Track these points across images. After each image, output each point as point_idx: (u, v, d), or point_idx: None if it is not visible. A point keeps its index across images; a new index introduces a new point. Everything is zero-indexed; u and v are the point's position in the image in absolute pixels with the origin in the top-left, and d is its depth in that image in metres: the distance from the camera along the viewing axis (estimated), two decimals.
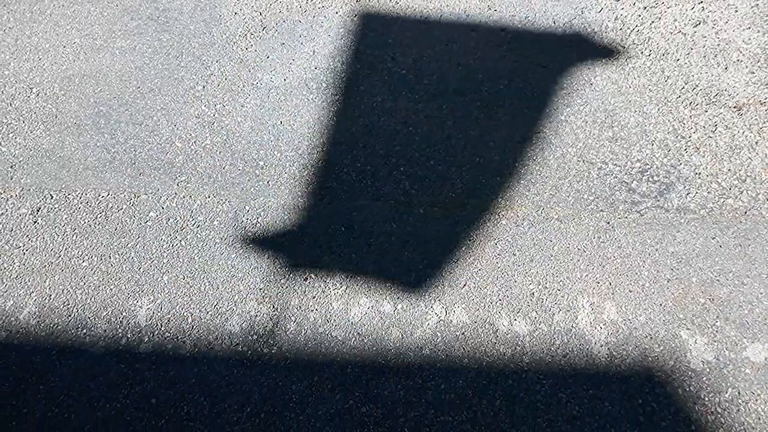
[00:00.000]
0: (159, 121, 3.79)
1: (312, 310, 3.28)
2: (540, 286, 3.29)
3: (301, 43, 4.01)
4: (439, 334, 3.20)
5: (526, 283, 3.30)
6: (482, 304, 3.26)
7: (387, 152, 3.67)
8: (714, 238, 3.34)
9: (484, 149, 3.66)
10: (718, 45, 3.84)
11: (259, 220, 3.51)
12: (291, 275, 3.37)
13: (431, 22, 4.08)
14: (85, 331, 3.26)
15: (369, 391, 3.08)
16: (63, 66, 3.95)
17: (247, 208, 3.54)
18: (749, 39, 3.83)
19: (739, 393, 2.97)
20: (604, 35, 3.95)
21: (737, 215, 3.38)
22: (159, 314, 3.29)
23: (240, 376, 3.14)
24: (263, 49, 4.00)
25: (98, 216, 3.53)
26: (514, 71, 3.88)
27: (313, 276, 3.36)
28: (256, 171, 3.64)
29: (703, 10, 3.95)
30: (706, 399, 2.96)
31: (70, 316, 3.29)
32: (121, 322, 3.27)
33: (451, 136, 3.71)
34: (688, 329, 3.13)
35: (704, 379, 3.02)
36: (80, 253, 3.44)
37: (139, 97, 3.86)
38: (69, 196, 3.59)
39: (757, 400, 2.94)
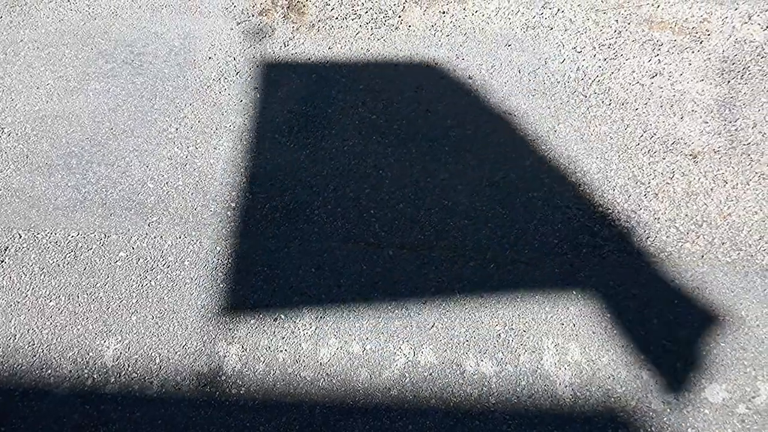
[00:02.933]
0: (131, 163, 3.82)
1: (281, 351, 3.29)
2: (506, 328, 3.35)
3: (274, 88, 4.10)
4: (407, 375, 3.23)
5: (493, 325, 3.36)
6: (450, 345, 3.31)
7: (357, 195, 3.74)
8: (673, 281, 3.45)
9: (452, 193, 3.75)
10: (674, 96, 4.02)
11: (230, 260, 3.53)
12: (261, 316, 3.39)
13: (401, 69, 4.20)
14: (50, 371, 3.22)
15: None
16: (36, 107, 3.97)
17: (218, 248, 3.57)
18: (703, 90, 4.02)
19: None
20: (567, 85, 4.11)
21: (695, 259, 3.50)
22: (126, 354, 3.27)
23: (208, 417, 3.12)
24: (236, 93, 4.07)
25: (67, 256, 3.53)
26: (482, 118, 4.01)
27: (282, 316, 3.38)
28: (228, 212, 3.68)
29: (659, 62, 4.14)
30: None
31: (35, 356, 3.26)
32: (87, 362, 3.25)
33: (420, 179, 3.80)
34: (649, 370, 3.21)
35: (665, 419, 3.08)
36: (48, 292, 3.42)
37: (112, 139, 3.89)
38: (38, 236, 3.58)
39: None
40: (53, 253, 3.54)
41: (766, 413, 3.08)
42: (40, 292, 3.43)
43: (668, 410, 3.11)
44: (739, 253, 3.51)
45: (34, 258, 3.52)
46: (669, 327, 3.31)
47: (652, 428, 3.06)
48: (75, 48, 4.19)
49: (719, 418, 3.08)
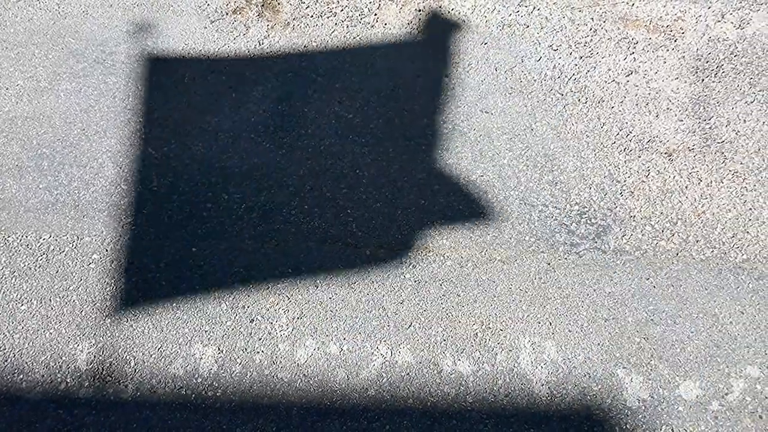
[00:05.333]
0: (104, 164, 3.77)
1: (258, 352, 3.28)
2: (483, 327, 3.36)
3: (250, 87, 4.07)
4: (384, 375, 3.23)
5: (470, 324, 3.36)
6: (427, 345, 3.31)
7: (334, 195, 3.73)
8: (648, 278, 3.47)
9: (429, 192, 3.75)
10: (649, 94, 4.05)
11: (205, 262, 3.50)
12: (237, 317, 3.37)
13: (378, 68, 4.19)
14: (22, 376, 3.18)
15: None
16: (5, 108, 3.90)
17: (194, 249, 3.54)
18: (677, 89, 4.05)
19: (672, 430, 3.07)
20: (544, 83, 4.12)
21: (669, 257, 3.53)
22: (100, 358, 3.24)
23: (183, 419, 3.10)
24: (212, 93, 4.04)
25: (39, 258, 3.48)
26: (459, 116, 4.00)
27: (259, 318, 3.36)
28: (204, 214, 3.64)
29: (634, 60, 4.16)
30: None
31: (6, 361, 3.21)
32: (60, 366, 3.21)
33: (397, 179, 3.79)
34: (624, 368, 3.23)
35: (640, 416, 3.11)
36: (19, 296, 3.38)
37: (84, 140, 3.84)
38: (8, 239, 3.53)
39: None
40: (24, 256, 3.49)
41: (739, 409, 3.12)
42: (11, 296, 3.38)
43: (643, 407, 3.13)
44: (713, 251, 3.55)
45: (4, 261, 3.47)
46: (644, 324, 3.34)
47: (627, 425, 3.09)
48: (45, 48, 4.12)
49: (693, 415, 3.11)
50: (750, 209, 3.66)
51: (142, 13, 4.28)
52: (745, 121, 3.94)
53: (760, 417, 3.10)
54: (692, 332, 3.32)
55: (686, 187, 3.74)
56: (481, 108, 4.04)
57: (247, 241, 3.57)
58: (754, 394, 3.16)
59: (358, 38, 4.26)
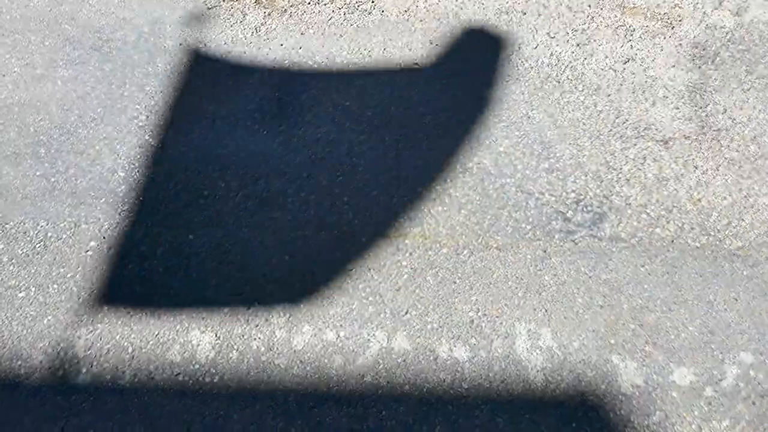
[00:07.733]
0: (101, 151, 3.77)
1: (255, 339, 3.29)
2: (479, 313, 3.37)
3: (246, 74, 4.06)
4: (381, 362, 3.25)
5: (466, 311, 3.38)
6: (423, 331, 3.32)
7: (330, 183, 3.73)
8: (643, 266, 3.48)
9: (426, 180, 3.75)
10: (646, 82, 4.05)
11: (203, 249, 3.51)
12: (234, 304, 3.38)
13: (375, 56, 4.18)
14: (20, 363, 3.19)
15: (311, 419, 3.10)
16: (2, 95, 3.90)
17: (191, 237, 3.54)
18: (674, 76, 4.05)
19: (666, 416, 3.09)
20: (541, 70, 4.12)
21: (665, 244, 3.54)
22: (98, 345, 3.25)
23: (181, 406, 3.11)
24: (208, 80, 4.03)
25: (36, 245, 3.48)
26: (456, 104, 4.00)
27: (256, 304, 3.37)
28: (200, 201, 3.65)
29: (631, 48, 4.16)
30: (636, 422, 3.07)
31: (4, 347, 3.22)
32: (58, 353, 3.22)
33: (393, 167, 3.79)
34: (619, 354, 3.25)
35: (634, 402, 3.13)
36: (17, 283, 3.39)
37: (81, 127, 3.84)
38: (6, 226, 3.53)
39: (683, 423, 3.07)
40: (22, 243, 3.49)
41: (732, 395, 3.14)
42: (9, 283, 3.39)
43: (637, 393, 3.15)
44: (708, 238, 3.56)
45: (2, 248, 3.48)
46: (639, 311, 3.35)
47: (622, 412, 3.11)
48: (41, 34, 4.11)
49: (687, 401, 3.13)
50: (745, 197, 3.67)
51: None
52: (741, 108, 3.94)
53: (753, 403, 3.12)
54: (687, 319, 3.33)
55: (682, 175, 3.75)
56: (478, 95, 4.04)
57: (243, 229, 3.58)
58: (747, 380, 3.18)
59: (355, 25, 4.26)
